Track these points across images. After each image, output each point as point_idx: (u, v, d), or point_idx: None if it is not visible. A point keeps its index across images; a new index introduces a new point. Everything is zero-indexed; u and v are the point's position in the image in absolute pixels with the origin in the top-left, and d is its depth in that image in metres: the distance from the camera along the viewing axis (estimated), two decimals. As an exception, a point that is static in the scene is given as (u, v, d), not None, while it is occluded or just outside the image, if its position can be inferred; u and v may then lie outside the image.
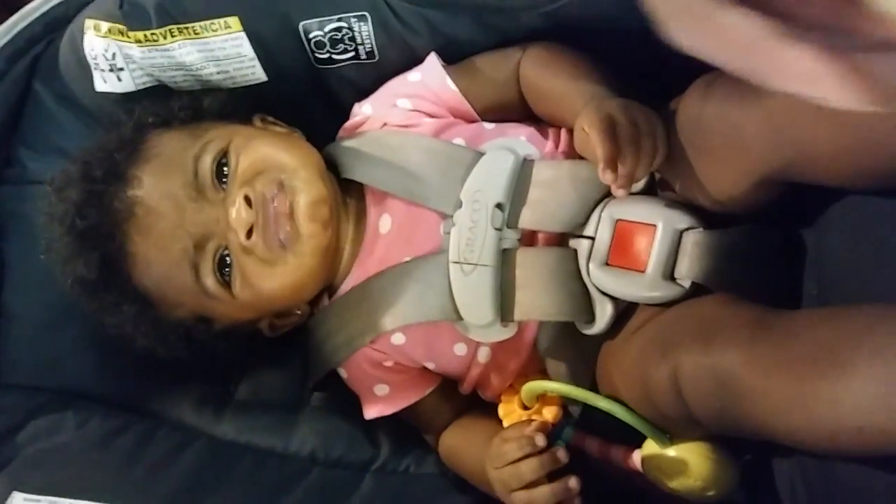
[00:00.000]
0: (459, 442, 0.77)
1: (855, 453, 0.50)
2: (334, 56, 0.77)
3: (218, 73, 0.78)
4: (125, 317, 0.73)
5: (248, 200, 0.69)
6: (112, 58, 0.79)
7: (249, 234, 0.69)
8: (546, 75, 0.72)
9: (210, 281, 0.70)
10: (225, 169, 0.71)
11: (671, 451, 0.65)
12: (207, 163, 0.71)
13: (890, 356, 0.47)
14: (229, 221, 0.69)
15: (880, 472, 0.52)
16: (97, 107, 0.82)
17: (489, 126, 0.75)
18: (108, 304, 0.73)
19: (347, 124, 0.79)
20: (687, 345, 0.56)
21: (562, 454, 0.64)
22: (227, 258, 0.70)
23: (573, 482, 0.63)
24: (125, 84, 0.80)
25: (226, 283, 0.71)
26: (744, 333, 0.54)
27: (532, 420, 0.68)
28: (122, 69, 0.79)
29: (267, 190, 0.70)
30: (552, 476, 0.65)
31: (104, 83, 0.81)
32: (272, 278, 0.70)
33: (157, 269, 0.71)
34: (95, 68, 0.80)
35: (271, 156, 0.71)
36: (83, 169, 0.73)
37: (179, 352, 0.75)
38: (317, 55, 0.77)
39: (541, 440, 0.64)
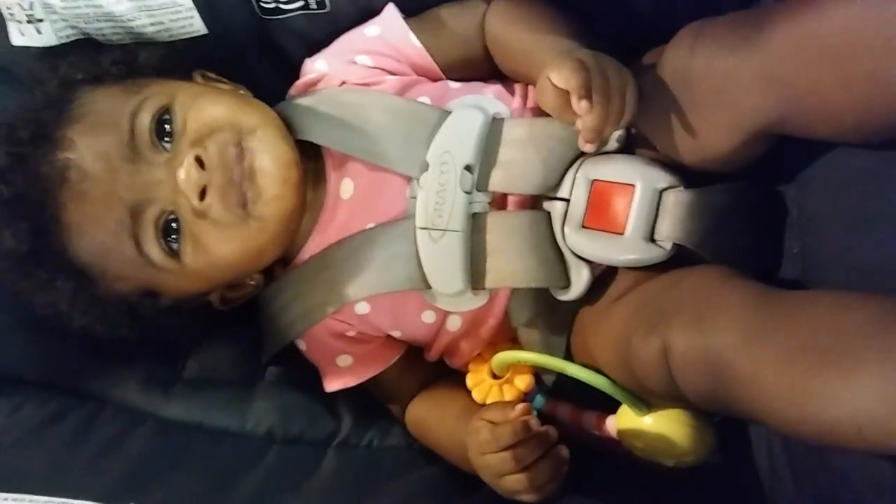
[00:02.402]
0: (429, 415, 0.74)
1: (850, 450, 0.48)
2: (281, 5, 0.71)
3: (151, 24, 0.71)
4: (60, 294, 0.67)
5: (199, 161, 0.63)
6: (29, 7, 0.71)
7: (202, 196, 0.63)
8: (513, 30, 0.68)
9: (154, 251, 0.65)
10: (167, 127, 0.65)
11: (649, 419, 0.64)
12: (146, 120, 0.64)
13: None
14: (178, 184, 0.63)
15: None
16: (15, 63, 0.75)
17: (455, 84, 0.71)
18: (39, 280, 0.67)
19: (300, 82, 0.74)
20: (679, 321, 0.54)
21: (553, 432, 0.62)
22: (174, 224, 0.65)
23: (564, 451, 0.62)
24: (46, 37, 0.72)
25: (172, 252, 0.65)
26: (741, 314, 0.52)
27: (514, 402, 0.65)
28: (41, 20, 0.72)
29: (224, 150, 0.64)
30: None
31: (21, 36, 0.73)
32: (230, 243, 0.65)
33: (93, 240, 0.65)
34: (10, 19, 0.72)
35: (225, 114, 0.65)
36: (6, 131, 0.66)
37: (123, 330, 0.69)
38: (262, 4, 0.71)
39: (536, 424, 0.61)
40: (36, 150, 0.64)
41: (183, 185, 0.63)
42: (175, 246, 0.65)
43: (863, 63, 0.49)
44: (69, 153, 0.64)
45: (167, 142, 0.65)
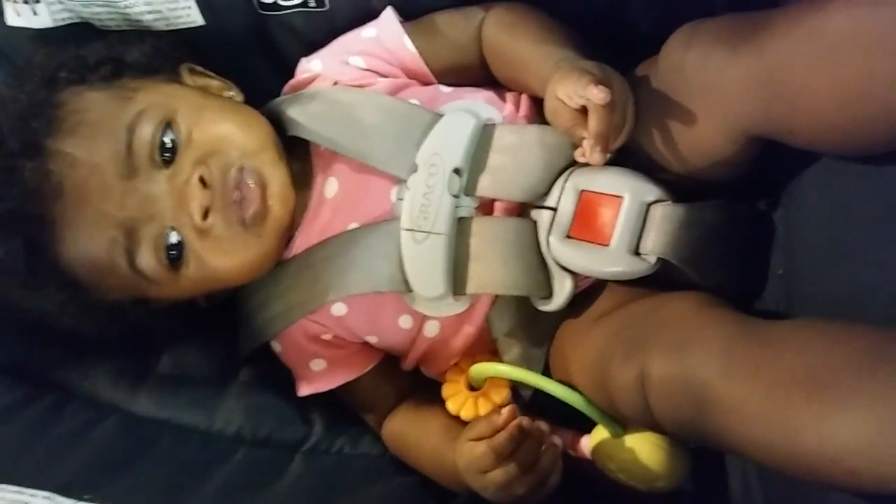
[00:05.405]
0: (408, 434, 0.72)
1: (837, 487, 0.46)
2: (280, 1, 0.71)
3: (149, 12, 0.71)
4: (50, 302, 0.66)
5: (202, 181, 0.62)
6: (27, -12, 0.71)
7: (205, 215, 0.63)
8: (510, 38, 0.68)
9: (150, 266, 0.64)
10: (167, 141, 0.63)
11: (623, 441, 0.63)
12: (146, 135, 0.63)
13: (891, 396, 0.43)
14: (181, 202, 0.63)
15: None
16: (10, 45, 0.74)
17: (446, 89, 0.70)
18: (30, 287, 0.65)
19: (294, 81, 0.73)
20: (658, 348, 0.53)
21: (544, 425, 0.61)
22: (173, 239, 0.64)
23: (557, 440, 0.62)
24: (42, 19, 0.72)
25: (172, 267, 0.64)
26: (723, 343, 0.50)
27: (497, 410, 0.64)
28: (38, 1, 0.71)
29: (226, 171, 0.63)
30: None
31: (17, 16, 0.72)
32: (231, 257, 0.65)
33: (87, 256, 0.63)
34: (7, -1, 0.72)
35: (229, 135, 0.65)
36: None
37: (112, 332, 0.69)
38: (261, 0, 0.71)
39: (528, 422, 0.60)
40: (29, 162, 0.62)
41: (189, 205, 0.62)
42: (177, 262, 0.64)
43: (855, 62, 0.48)
44: (63, 167, 0.62)
45: (167, 157, 0.63)
